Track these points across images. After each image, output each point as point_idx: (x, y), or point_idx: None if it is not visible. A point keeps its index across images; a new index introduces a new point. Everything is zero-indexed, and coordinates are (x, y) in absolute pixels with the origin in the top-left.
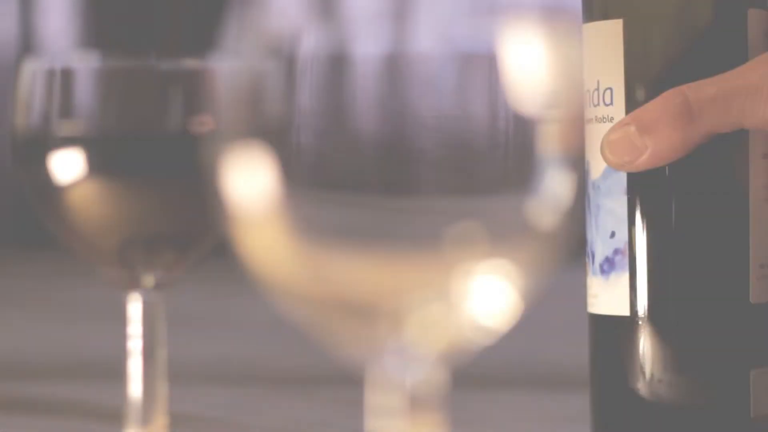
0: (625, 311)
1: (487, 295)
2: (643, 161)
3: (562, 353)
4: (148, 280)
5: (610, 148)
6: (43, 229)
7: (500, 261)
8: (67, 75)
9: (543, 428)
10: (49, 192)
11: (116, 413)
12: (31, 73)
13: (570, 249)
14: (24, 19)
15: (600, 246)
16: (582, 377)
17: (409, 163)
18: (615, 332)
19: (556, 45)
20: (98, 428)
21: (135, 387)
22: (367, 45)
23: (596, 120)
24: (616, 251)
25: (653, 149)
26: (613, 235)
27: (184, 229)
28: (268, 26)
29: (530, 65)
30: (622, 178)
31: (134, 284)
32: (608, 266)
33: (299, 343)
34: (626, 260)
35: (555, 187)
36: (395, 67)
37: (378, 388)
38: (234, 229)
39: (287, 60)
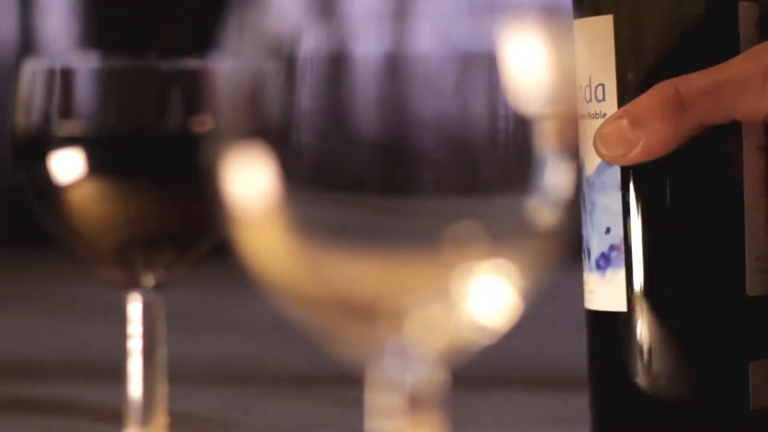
0: (622, 307)
1: (487, 295)
2: (636, 154)
3: (562, 353)
4: (148, 280)
5: (603, 142)
6: (43, 229)
7: (500, 261)
8: (67, 75)
9: (543, 428)
10: (49, 192)
11: (116, 413)
12: (31, 73)
13: (570, 248)
14: (24, 19)
15: (595, 242)
16: (582, 377)
17: (409, 163)
18: (612, 328)
19: (556, 45)
20: (98, 428)
21: (135, 387)
22: (367, 45)
23: (589, 116)
24: (612, 247)
25: (645, 142)
26: (608, 231)
27: (184, 229)
28: (268, 26)
29: (530, 65)
30: (616, 174)
31: (134, 284)
32: (604, 262)
33: (299, 343)
34: (622, 256)
35: (555, 186)
36: (395, 67)
37: (378, 388)
38: (234, 229)
39: (287, 60)
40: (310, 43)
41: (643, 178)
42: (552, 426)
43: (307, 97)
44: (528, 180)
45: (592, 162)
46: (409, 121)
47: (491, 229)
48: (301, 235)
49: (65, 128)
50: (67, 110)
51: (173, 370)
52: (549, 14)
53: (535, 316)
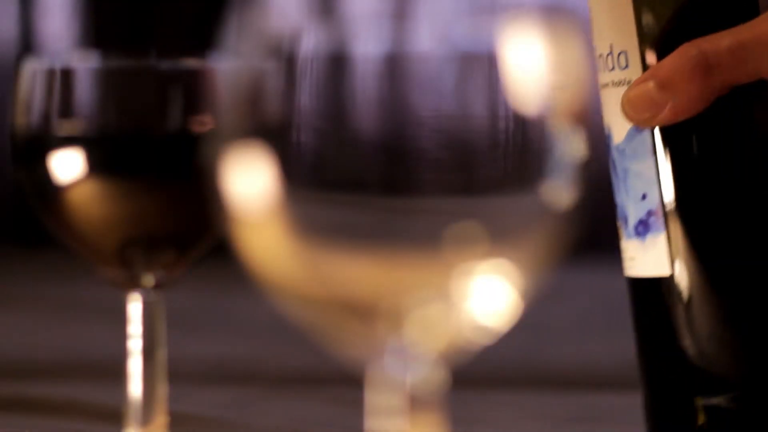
0: (666, 271)
1: (487, 295)
2: (665, 116)
3: (562, 353)
4: (148, 280)
5: (631, 105)
6: (43, 228)
7: (500, 261)
8: (67, 75)
9: (543, 428)
10: (49, 192)
11: (116, 413)
12: (31, 73)
13: (569, 248)
14: (24, 19)
15: (632, 209)
16: (582, 377)
17: (409, 163)
18: (657, 293)
19: (556, 44)
20: (98, 428)
21: (135, 387)
22: (367, 45)
23: (612, 84)
24: (650, 213)
25: (673, 103)
26: (644, 197)
27: (184, 229)
28: (268, 26)
29: (530, 65)
30: (645, 140)
31: (134, 284)
32: (643, 228)
33: (299, 343)
34: (661, 220)
35: (555, 186)
36: (395, 67)
37: (378, 388)
38: (234, 229)
39: (287, 60)
40: (310, 43)
41: (674, 140)
42: (552, 426)
43: (307, 97)
44: (528, 180)
45: (620, 130)
46: (409, 121)
47: (491, 229)
48: (301, 235)
49: (65, 128)
50: (67, 110)
51: (173, 370)
52: (549, 14)
53: (535, 316)
